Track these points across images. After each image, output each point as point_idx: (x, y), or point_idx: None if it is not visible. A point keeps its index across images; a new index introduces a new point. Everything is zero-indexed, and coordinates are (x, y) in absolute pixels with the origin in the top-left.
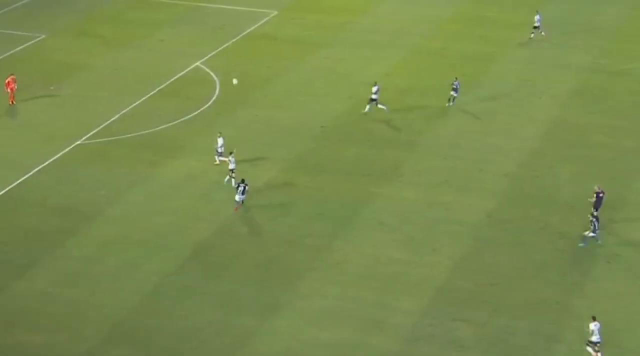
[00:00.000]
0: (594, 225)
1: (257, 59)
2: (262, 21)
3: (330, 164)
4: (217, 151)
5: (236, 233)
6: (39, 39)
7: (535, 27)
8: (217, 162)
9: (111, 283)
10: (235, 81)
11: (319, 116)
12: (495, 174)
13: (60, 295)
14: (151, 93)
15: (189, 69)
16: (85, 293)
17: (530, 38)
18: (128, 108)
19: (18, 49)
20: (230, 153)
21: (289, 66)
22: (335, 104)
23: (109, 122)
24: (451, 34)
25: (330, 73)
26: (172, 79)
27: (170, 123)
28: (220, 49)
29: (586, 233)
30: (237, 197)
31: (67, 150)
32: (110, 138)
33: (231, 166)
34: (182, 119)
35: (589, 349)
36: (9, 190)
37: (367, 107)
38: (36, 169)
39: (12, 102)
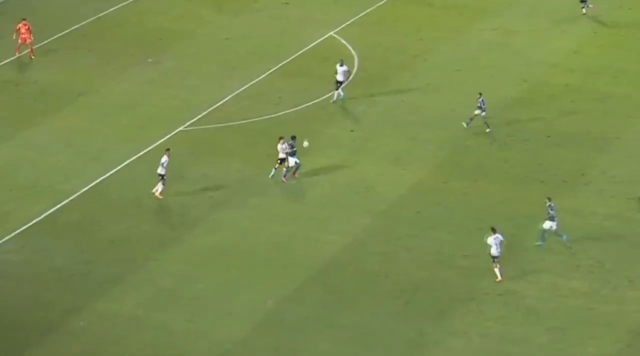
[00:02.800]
0: None
1: (405, 29)
2: None
3: (494, 166)
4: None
5: (373, 251)
6: None
7: (583, 1)
8: (157, 193)
9: (214, 307)
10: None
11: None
12: None
13: (150, 319)
14: (272, 70)
15: (320, 40)
16: (182, 318)
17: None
18: (243, 88)
19: (110, 10)
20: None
21: (446, 39)
22: (505, 89)
23: (218, 104)
24: None
25: (500, 49)
26: (299, 53)
27: (295, 108)
28: (360, 15)
29: None
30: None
31: (166, 138)
32: (220, 125)
33: (281, 155)
34: (310, 103)
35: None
36: (92, 187)
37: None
38: (127, 161)
39: (31, 56)
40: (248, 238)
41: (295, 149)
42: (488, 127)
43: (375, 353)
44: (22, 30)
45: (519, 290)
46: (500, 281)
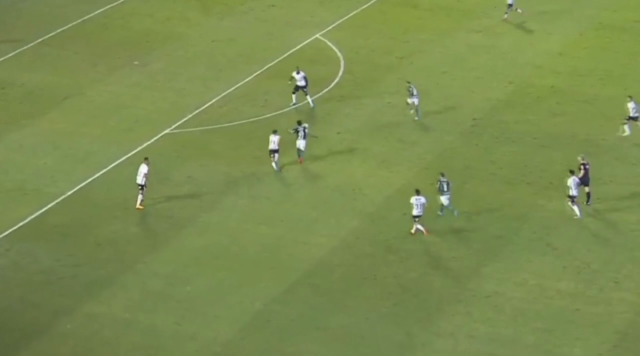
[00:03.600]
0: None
1: (392, 31)
2: None
3: (482, 168)
4: (140, 181)
5: (361, 252)
6: (121, 0)
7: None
8: (139, 203)
9: (203, 309)
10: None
11: (470, 106)
12: None
13: (139, 321)
14: (258, 72)
15: (305, 42)
16: (170, 320)
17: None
18: (229, 90)
19: (96, 12)
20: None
21: (432, 41)
22: (491, 91)
23: (205, 106)
24: None
25: (486, 51)
26: (285, 55)
27: (281, 111)
28: (346, 17)
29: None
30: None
31: (152, 140)
32: (206, 127)
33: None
34: (296, 105)
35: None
36: (79, 188)
37: None
38: (114, 164)
39: None
40: (236, 240)
41: (304, 133)
42: (417, 115)
43: (364, 355)
44: None
45: (505, 291)
46: (414, 232)
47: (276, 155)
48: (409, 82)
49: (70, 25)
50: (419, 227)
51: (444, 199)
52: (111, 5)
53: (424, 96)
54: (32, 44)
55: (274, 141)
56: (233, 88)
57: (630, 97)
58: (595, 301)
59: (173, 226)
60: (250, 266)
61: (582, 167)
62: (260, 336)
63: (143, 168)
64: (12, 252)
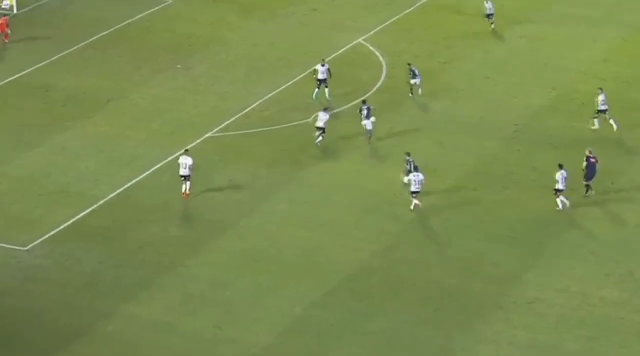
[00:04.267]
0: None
1: (435, 35)
2: None
3: (524, 174)
4: (187, 173)
5: (401, 258)
6: (165, 4)
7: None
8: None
9: (242, 313)
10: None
11: (511, 112)
12: None
13: (179, 325)
14: (299, 77)
15: (348, 46)
16: (210, 324)
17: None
18: (271, 94)
19: (139, 16)
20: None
21: (475, 46)
22: (533, 97)
23: (246, 110)
24: None
25: (529, 56)
26: (326, 59)
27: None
28: (389, 21)
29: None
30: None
31: (194, 143)
32: (247, 131)
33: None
34: (338, 110)
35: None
36: (122, 191)
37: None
38: (155, 167)
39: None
40: (275, 244)
41: (368, 112)
42: (411, 94)
43: None
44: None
45: (547, 298)
46: (413, 208)
47: (320, 132)
48: (409, 64)
49: (114, 28)
50: (417, 202)
51: (407, 179)
52: (154, 9)
53: (466, 101)
54: (76, 47)
55: (322, 119)
56: (274, 92)
57: (600, 89)
58: (638, 309)
59: (214, 229)
60: (289, 270)
61: (586, 160)
62: (299, 341)
63: (187, 160)
64: (54, 253)
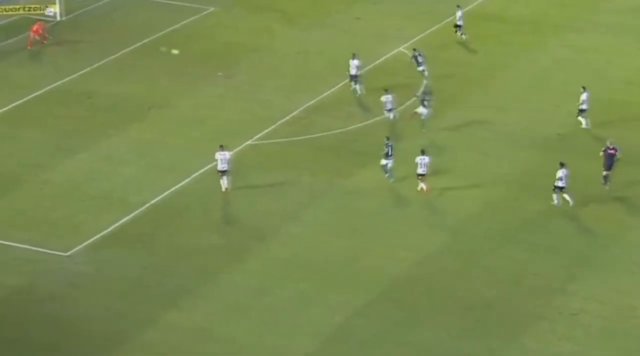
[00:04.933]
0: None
1: (477, 44)
2: None
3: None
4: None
5: (443, 267)
6: (207, 11)
7: (457, 26)
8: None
9: (283, 321)
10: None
11: (555, 121)
12: None
13: (220, 332)
14: (341, 84)
15: (389, 54)
16: (251, 332)
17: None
18: (312, 102)
19: (181, 23)
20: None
21: (518, 55)
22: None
23: (288, 117)
24: None
25: (574, 65)
26: (369, 67)
27: (364, 123)
28: (430, 30)
29: None
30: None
31: (236, 150)
32: (289, 139)
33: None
34: (379, 118)
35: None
36: (164, 198)
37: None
38: (197, 173)
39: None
40: (318, 252)
41: (424, 102)
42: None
43: None
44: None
45: (592, 309)
46: (420, 190)
47: (391, 113)
48: (414, 49)
49: (157, 35)
50: (423, 185)
51: (387, 162)
52: (196, 16)
53: (509, 110)
54: (119, 54)
55: (388, 100)
56: (316, 100)
57: (583, 88)
58: None
59: (255, 237)
60: (331, 278)
61: (604, 150)
62: (341, 350)
63: (225, 155)
64: (96, 260)
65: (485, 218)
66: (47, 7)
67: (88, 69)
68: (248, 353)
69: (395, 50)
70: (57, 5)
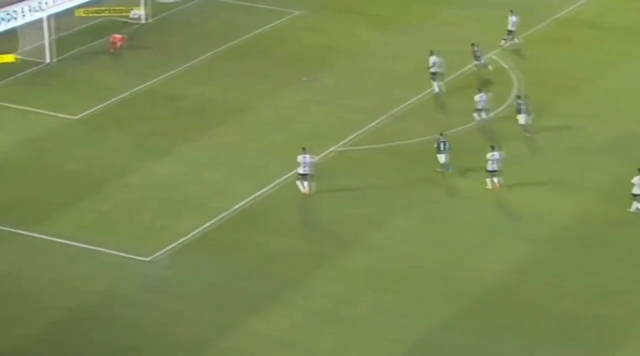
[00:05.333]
0: None
1: (571, 52)
2: (580, 2)
3: None
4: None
5: (533, 281)
6: (293, 14)
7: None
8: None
9: (366, 331)
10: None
11: None
12: None
13: (302, 341)
14: (429, 90)
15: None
16: (334, 342)
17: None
18: (399, 108)
19: (267, 26)
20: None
21: (614, 63)
22: None
23: (375, 123)
24: None
25: None
26: (457, 73)
27: (452, 130)
28: (523, 36)
29: None
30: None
31: (320, 156)
32: (375, 146)
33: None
34: (466, 126)
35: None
36: (245, 203)
37: None
38: (280, 179)
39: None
40: (402, 262)
41: (521, 106)
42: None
43: None
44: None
45: None
46: (491, 187)
47: (482, 113)
48: (473, 44)
49: (242, 38)
50: (495, 180)
51: (441, 157)
52: (283, 19)
53: (604, 120)
54: (204, 57)
55: (482, 98)
56: (403, 105)
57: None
58: None
59: (339, 244)
60: (417, 289)
61: None
62: None
63: (307, 158)
64: (177, 265)
65: (577, 229)
66: (132, 9)
67: (173, 71)
68: None
69: (486, 56)
70: (142, 8)
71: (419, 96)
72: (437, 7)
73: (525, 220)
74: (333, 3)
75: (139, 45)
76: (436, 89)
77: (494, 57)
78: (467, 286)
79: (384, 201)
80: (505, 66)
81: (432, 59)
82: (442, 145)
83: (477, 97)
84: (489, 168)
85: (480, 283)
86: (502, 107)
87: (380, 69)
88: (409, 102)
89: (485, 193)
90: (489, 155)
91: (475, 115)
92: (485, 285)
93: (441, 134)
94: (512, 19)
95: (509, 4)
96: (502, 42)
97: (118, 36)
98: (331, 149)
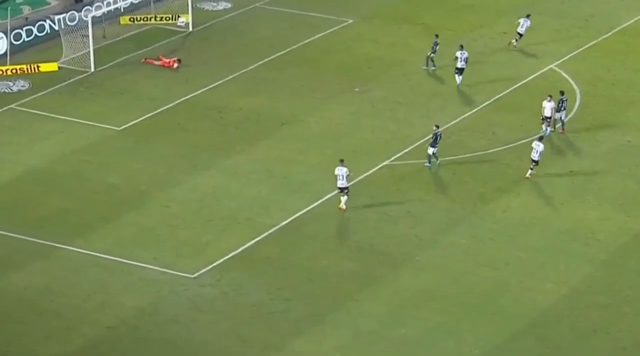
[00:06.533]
0: None
1: (635, 63)
2: None
3: None
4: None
5: (593, 303)
6: (345, 23)
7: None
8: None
9: (418, 353)
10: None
11: None
12: None
13: None
14: (486, 103)
15: (539, 72)
16: None
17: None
18: (453, 122)
19: (317, 36)
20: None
21: None
22: None
23: (427, 138)
24: None
25: None
26: (516, 86)
27: (509, 145)
28: (584, 47)
29: None
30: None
31: (371, 171)
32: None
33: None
34: (525, 140)
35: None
36: (293, 220)
37: None
38: (329, 195)
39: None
40: (455, 282)
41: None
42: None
43: None
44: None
45: None
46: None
47: (548, 121)
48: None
49: (290, 48)
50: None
51: (433, 150)
52: (333, 29)
53: None
54: (251, 67)
55: (546, 108)
56: (458, 119)
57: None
58: None
59: (389, 263)
60: (469, 310)
61: None
62: None
63: (342, 171)
64: (222, 282)
65: (637, 250)
66: (179, 16)
67: (218, 82)
68: None
69: (546, 68)
70: (190, 15)
71: (475, 110)
72: (494, 17)
73: (585, 240)
74: (385, 11)
75: (184, 54)
76: (457, 82)
77: (555, 68)
78: (521, 309)
79: (436, 218)
80: (568, 78)
81: (458, 53)
82: (438, 138)
83: (544, 103)
84: (534, 157)
85: (535, 305)
86: (565, 120)
87: (433, 80)
88: (463, 116)
89: (544, 213)
90: (534, 144)
91: (543, 126)
92: (541, 307)
93: (437, 126)
94: (526, 22)
95: (565, 13)
96: (513, 41)
97: (171, 60)
98: (383, 164)
